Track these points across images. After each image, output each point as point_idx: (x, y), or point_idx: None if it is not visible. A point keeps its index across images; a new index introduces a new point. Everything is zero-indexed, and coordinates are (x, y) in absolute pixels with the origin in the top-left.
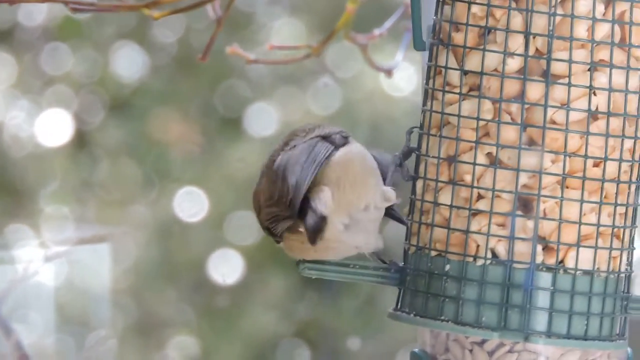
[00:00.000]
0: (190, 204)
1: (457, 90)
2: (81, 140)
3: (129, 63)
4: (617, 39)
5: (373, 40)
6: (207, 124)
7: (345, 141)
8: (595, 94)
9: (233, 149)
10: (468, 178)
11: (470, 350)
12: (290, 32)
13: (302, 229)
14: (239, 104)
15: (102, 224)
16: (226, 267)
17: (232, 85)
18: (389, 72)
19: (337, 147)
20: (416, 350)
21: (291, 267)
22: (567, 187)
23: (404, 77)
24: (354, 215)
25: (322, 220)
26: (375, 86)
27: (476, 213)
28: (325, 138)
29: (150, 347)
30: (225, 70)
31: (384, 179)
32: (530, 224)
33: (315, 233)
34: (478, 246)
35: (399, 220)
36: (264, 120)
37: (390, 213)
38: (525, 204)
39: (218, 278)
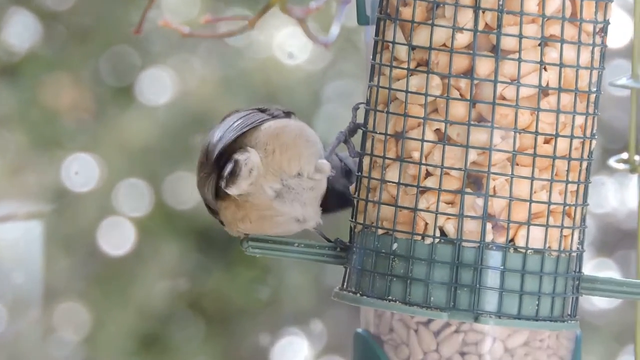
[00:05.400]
0: (81, 172)
1: (405, 66)
2: None
3: (20, 30)
4: (568, 13)
5: (310, 13)
6: (98, 91)
7: (285, 116)
8: (546, 70)
9: (125, 116)
10: (416, 155)
11: (416, 330)
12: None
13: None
14: (131, 71)
15: None
16: (117, 236)
17: (124, 52)
18: (326, 45)
19: (274, 117)
20: (360, 330)
21: (183, 236)
22: (518, 165)
23: (297, 45)
24: (286, 181)
25: (236, 164)
26: (269, 54)
27: (424, 191)
28: (263, 111)
29: (40, 317)
30: (116, 37)
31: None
32: (479, 201)
33: (228, 176)
34: (426, 224)
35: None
36: (157, 87)
37: (341, 194)
38: (474, 182)
39: (108, 248)
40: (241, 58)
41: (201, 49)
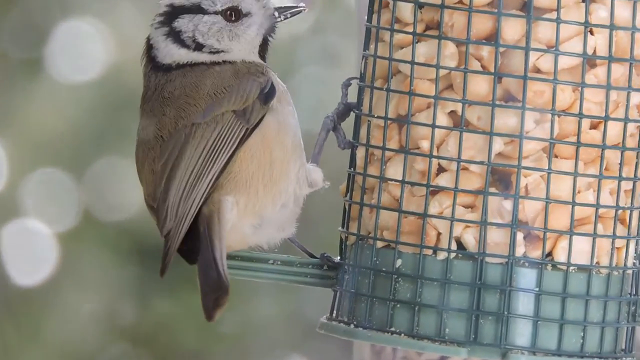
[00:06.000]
0: None
1: (410, 29)
2: None
3: None
4: None
5: None
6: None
7: (265, 108)
8: (592, 33)
9: (36, 92)
10: (425, 145)
11: None
12: None
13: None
14: (43, 30)
15: None
16: (29, 253)
17: (33, 5)
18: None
19: (249, 127)
20: None
21: (118, 249)
22: (556, 157)
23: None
24: (267, 216)
25: (224, 290)
26: None
27: (436, 191)
28: (240, 111)
29: None
30: None
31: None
32: (507, 204)
33: (214, 308)
34: (439, 234)
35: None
36: (79, 50)
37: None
38: (501, 179)
39: (18, 269)
40: None
41: None
